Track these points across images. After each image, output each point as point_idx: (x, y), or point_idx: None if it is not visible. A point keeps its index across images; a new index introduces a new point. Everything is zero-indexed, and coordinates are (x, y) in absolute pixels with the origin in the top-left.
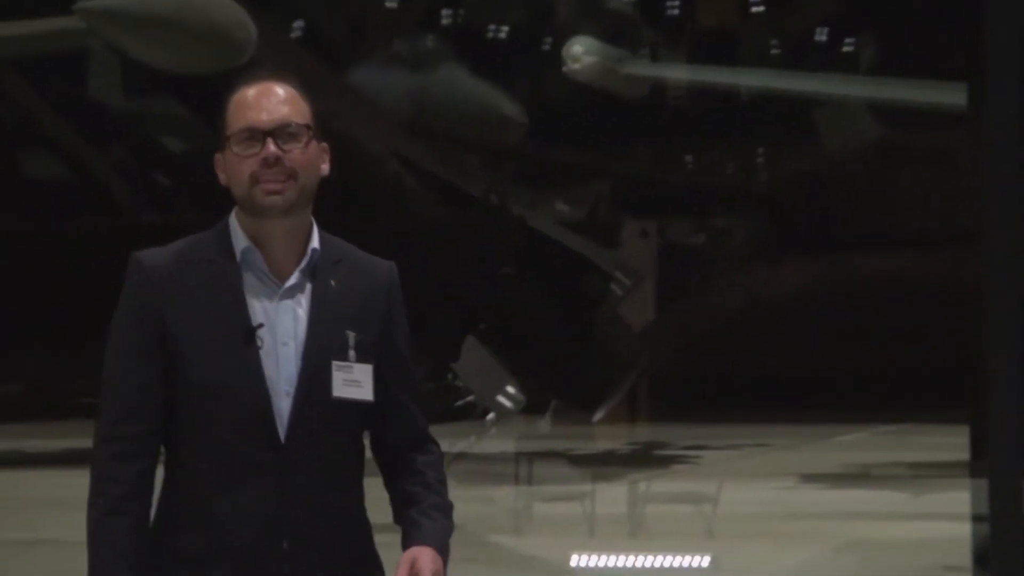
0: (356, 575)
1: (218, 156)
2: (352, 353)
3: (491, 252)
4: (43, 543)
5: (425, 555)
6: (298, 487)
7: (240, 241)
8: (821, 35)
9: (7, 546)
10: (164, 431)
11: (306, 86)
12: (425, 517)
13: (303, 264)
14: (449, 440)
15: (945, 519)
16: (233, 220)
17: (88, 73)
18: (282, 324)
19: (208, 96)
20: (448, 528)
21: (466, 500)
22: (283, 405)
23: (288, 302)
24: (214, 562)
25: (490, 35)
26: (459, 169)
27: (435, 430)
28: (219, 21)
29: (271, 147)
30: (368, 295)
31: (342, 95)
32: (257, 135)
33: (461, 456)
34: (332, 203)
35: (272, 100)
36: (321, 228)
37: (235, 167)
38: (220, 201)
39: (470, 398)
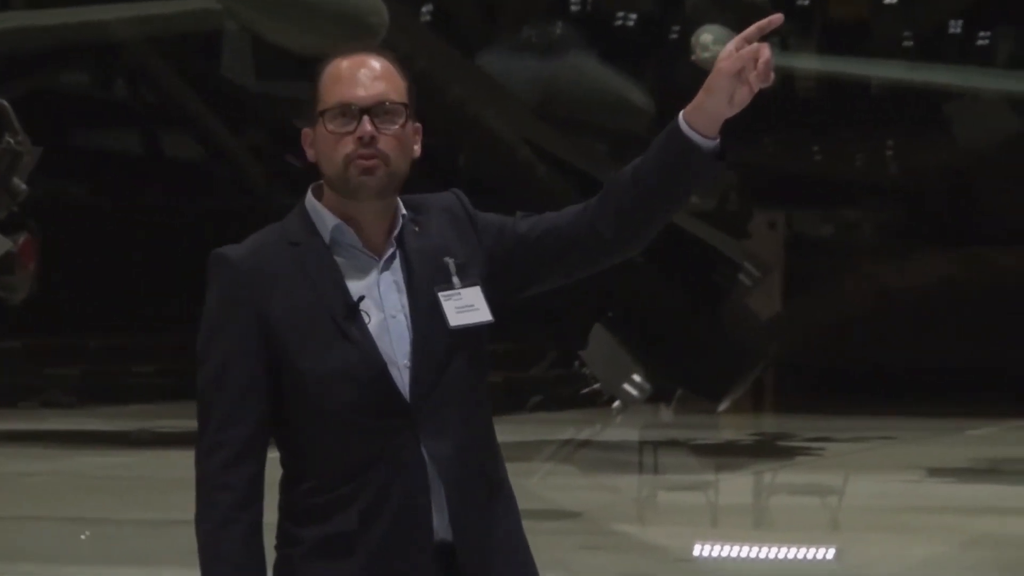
0: (495, 508)
1: (307, 131)
2: (456, 280)
3: None
4: (173, 523)
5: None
6: (436, 442)
7: (328, 220)
8: (955, 27)
9: (139, 525)
10: (270, 430)
11: (437, 70)
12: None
13: (395, 232)
14: (574, 427)
15: None
16: (313, 200)
17: (222, 54)
18: (388, 297)
19: None
20: None
21: (590, 488)
22: (403, 376)
23: (387, 274)
24: (361, 545)
25: (619, 22)
26: (589, 157)
27: (561, 417)
28: (352, 4)
29: (367, 125)
30: (452, 223)
31: (473, 80)
32: (352, 111)
33: (586, 444)
34: (462, 188)
35: (368, 74)
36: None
37: (328, 145)
38: None
39: (596, 386)
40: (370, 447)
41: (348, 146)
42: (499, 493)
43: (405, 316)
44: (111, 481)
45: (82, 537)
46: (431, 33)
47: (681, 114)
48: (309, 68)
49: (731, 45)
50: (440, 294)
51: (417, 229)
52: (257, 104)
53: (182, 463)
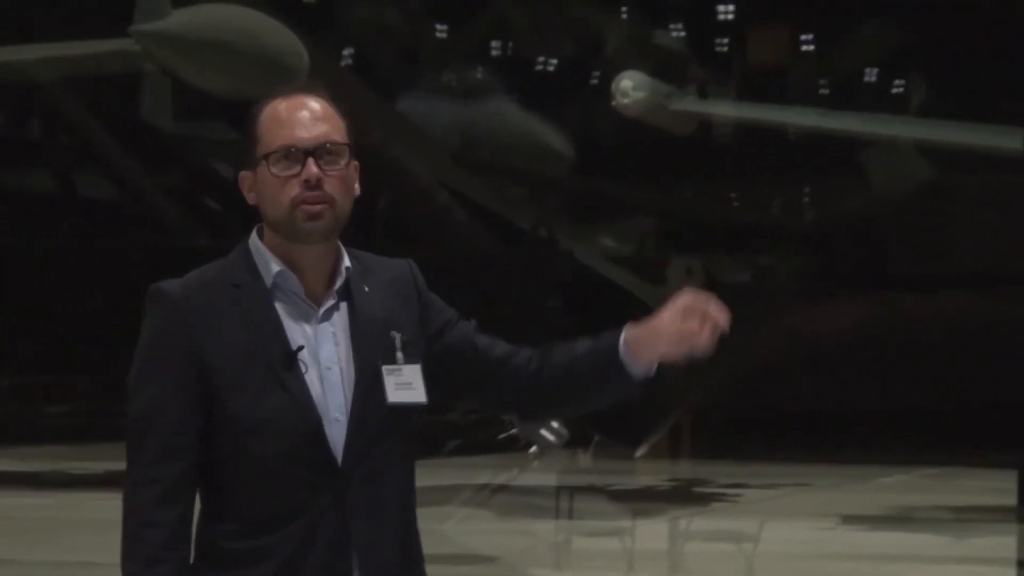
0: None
1: (246, 174)
2: (400, 355)
3: (538, 284)
4: (84, 565)
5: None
6: (359, 507)
7: (270, 264)
8: (871, 75)
9: (48, 567)
10: (202, 470)
11: (357, 114)
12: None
13: (337, 284)
14: (491, 472)
15: (989, 563)
16: (256, 243)
17: (141, 96)
18: (324, 348)
19: None
20: None
21: (507, 533)
22: (334, 430)
23: (326, 325)
24: None
25: (539, 68)
26: (507, 201)
27: (477, 462)
28: (272, 47)
29: (313, 168)
30: (400, 295)
31: (393, 124)
32: (296, 154)
33: (503, 488)
34: (381, 231)
35: (309, 116)
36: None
37: (272, 189)
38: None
39: (513, 431)
40: (294, 500)
41: (294, 189)
42: (414, 570)
43: (340, 370)
44: (23, 522)
45: None
46: (351, 76)
47: (623, 335)
48: (231, 110)
49: (680, 305)
50: (383, 367)
51: (367, 290)
52: (175, 145)
53: (95, 505)
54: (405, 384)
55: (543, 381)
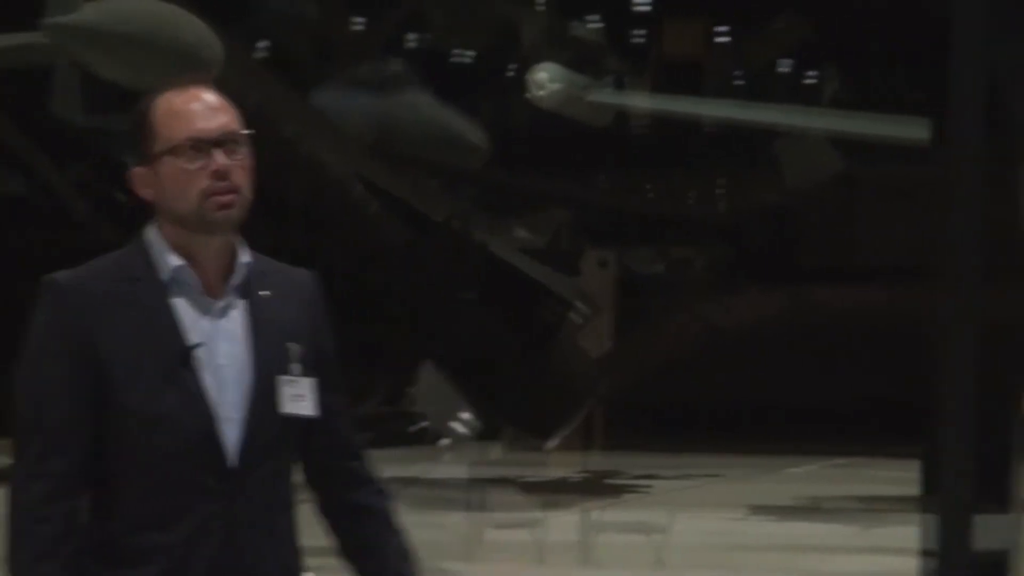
0: None
1: (139, 170)
2: (296, 367)
3: (452, 277)
4: None
5: None
6: (247, 512)
7: (168, 259)
8: (785, 67)
9: None
10: (92, 463)
11: (271, 107)
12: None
13: (235, 280)
14: (402, 465)
15: (894, 553)
16: (154, 236)
17: (50, 89)
18: (221, 345)
19: None
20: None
21: (418, 526)
22: (228, 429)
23: (223, 321)
24: None
25: (455, 60)
26: (421, 194)
27: (389, 455)
28: (186, 40)
29: (221, 158)
30: (300, 306)
31: (307, 117)
32: (203, 146)
33: (413, 481)
34: (297, 225)
35: (207, 107)
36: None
37: (179, 182)
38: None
39: (425, 423)
40: (185, 498)
41: (202, 181)
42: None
43: (237, 369)
44: None
45: None
46: (265, 69)
47: None
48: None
49: None
50: (279, 377)
51: (267, 292)
52: (85, 139)
53: None
54: (298, 396)
55: (337, 509)
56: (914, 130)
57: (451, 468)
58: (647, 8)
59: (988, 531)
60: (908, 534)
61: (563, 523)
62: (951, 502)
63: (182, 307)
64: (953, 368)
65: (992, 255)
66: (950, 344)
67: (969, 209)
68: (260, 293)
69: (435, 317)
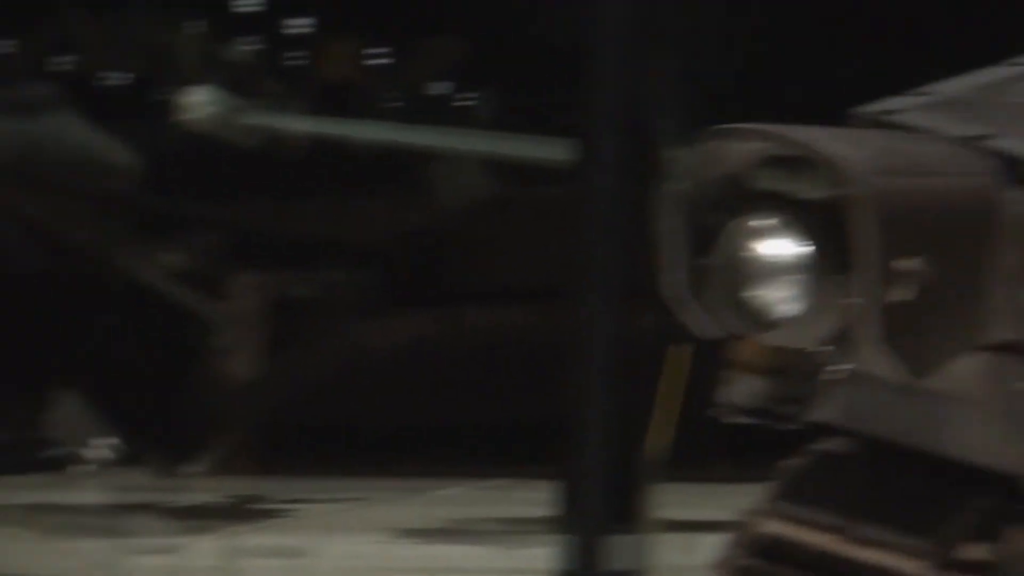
0: None
1: None
2: None
3: (90, 302)
4: None
5: None
6: None
7: None
8: (440, 89)
9: None
10: None
11: None
12: None
13: None
14: (38, 492)
15: (531, 574)
16: None
17: None
18: None
19: None
20: None
21: (49, 554)
22: None
23: None
24: None
25: (110, 83)
26: (66, 218)
27: (20, 481)
28: None
29: None
30: None
31: None
32: None
33: (48, 508)
34: None
35: None
36: None
37: None
38: None
39: (62, 449)
40: None
41: None
42: None
43: None
44: None
45: None
46: None
47: None
48: None
49: None
50: None
51: None
52: None
53: None
54: None
55: None
56: (561, 151)
57: (89, 494)
58: (305, 29)
59: (619, 551)
60: (548, 555)
61: (203, 548)
62: (582, 523)
63: None
64: (584, 388)
65: (627, 276)
66: (581, 364)
67: (602, 228)
68: None
69: (72, 342)
